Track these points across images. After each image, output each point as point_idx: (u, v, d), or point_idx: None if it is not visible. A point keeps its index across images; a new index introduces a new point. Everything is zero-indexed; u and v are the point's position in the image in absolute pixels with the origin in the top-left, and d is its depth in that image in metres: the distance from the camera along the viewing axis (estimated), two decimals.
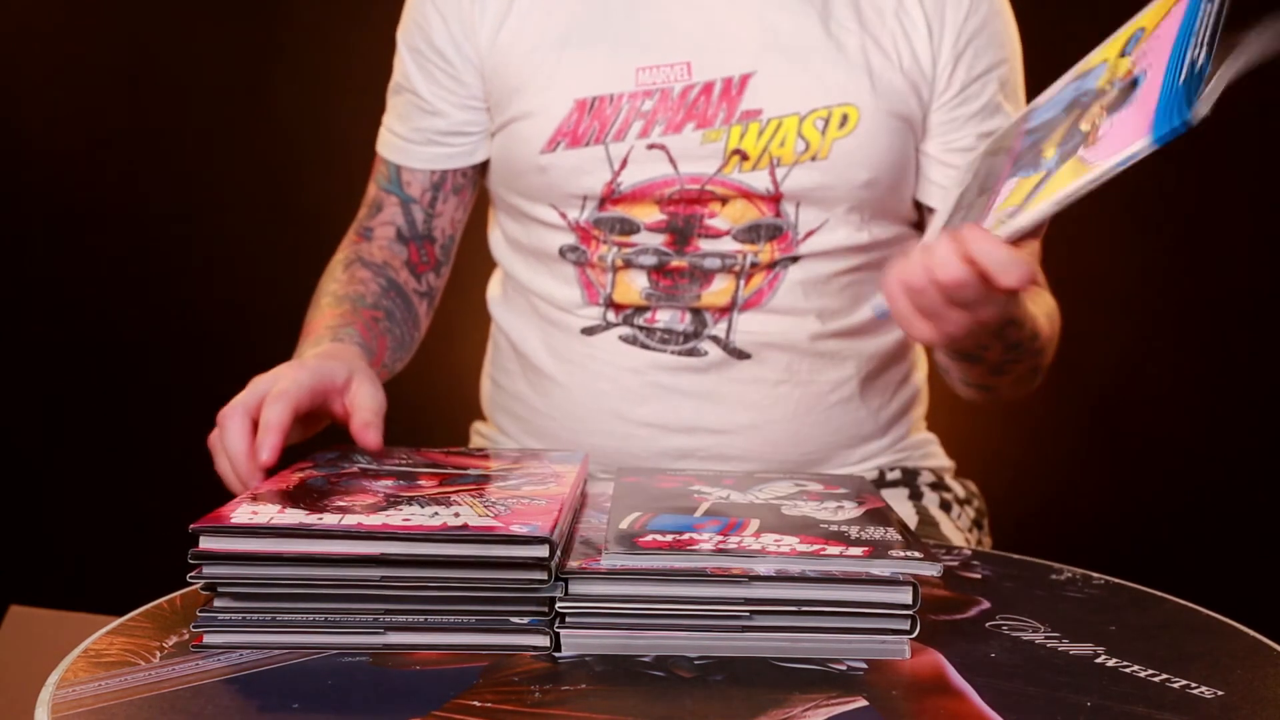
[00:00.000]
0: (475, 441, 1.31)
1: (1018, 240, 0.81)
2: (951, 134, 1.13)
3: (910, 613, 0.73)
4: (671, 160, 1.09)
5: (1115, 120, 0.76)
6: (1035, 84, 1.17)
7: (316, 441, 0.97)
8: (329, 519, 0.73)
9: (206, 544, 0.72)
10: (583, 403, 1.17)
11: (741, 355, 1.13)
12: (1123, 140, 0.73)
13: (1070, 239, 1.43)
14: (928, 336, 0.86)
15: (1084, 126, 0.80)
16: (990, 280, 0.81)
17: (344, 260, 1.18)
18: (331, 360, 0.95)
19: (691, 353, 1.13)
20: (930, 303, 0.84)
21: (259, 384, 0.90)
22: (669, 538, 0.76)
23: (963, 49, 1.12)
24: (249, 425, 0.87)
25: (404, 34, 1.20)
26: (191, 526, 0.71)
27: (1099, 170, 0.74)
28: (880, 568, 0.73)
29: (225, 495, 0.87)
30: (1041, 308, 1.08)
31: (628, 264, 1.13)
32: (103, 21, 1.96)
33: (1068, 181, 0.77)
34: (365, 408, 0.92)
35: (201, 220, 1.97)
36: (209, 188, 1.96)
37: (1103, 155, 0.75)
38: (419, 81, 1.18)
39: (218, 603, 0.73)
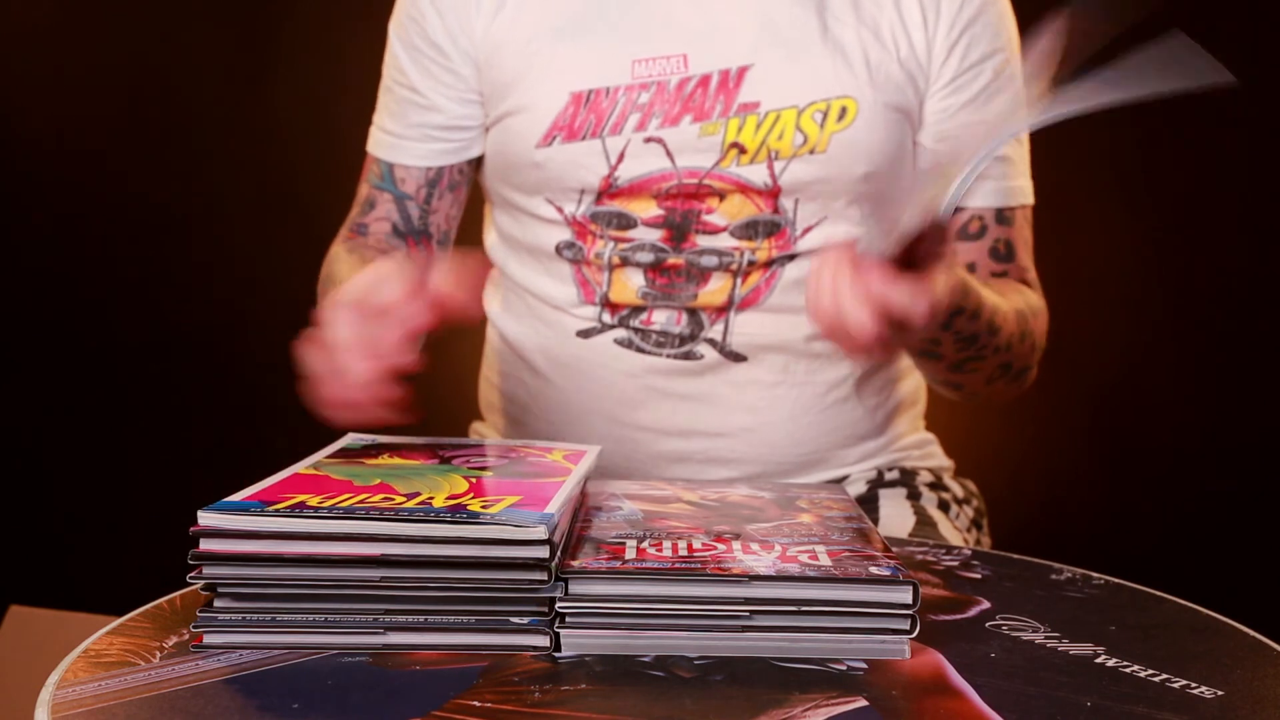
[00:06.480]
0: None
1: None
2: (944, 123, 1.13)
3: (910, 612, 0.73)
4: (669, 153, 1.09)
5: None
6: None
7: (323, 438, 0.96)
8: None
9: (207, 545, 0.72)
10: (578, 406, 1.17)
11: (738, 358, 1.13)
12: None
13: (1069, 240, 1.43)
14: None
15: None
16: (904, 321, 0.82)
17: (345, 246, 1.18)
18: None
19: (687, 356, 1.13)
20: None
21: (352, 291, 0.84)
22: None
23: (957, 38, 1.12)
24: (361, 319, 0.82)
25: (397, 28, 1.19)
26: (192, 529, 0.71)
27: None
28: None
29: (225, 495, 0.86)
30: (1013, 302, 1.07)
31: (624, 261, 1.12)
32: (102, 22, 1.96)
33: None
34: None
35: (200, 220, 1.97)
36: (208, 188, 1.96)
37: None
38: (415, 76, 1.17)
39: (218, 603, 0.73)
